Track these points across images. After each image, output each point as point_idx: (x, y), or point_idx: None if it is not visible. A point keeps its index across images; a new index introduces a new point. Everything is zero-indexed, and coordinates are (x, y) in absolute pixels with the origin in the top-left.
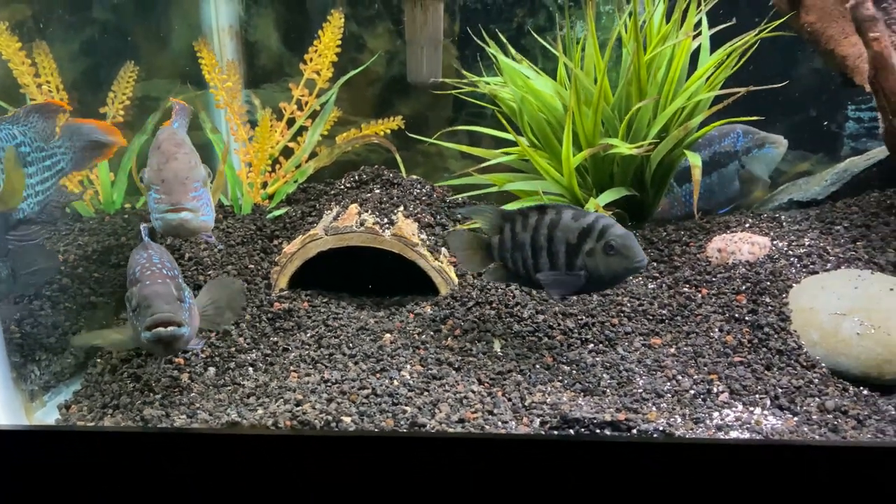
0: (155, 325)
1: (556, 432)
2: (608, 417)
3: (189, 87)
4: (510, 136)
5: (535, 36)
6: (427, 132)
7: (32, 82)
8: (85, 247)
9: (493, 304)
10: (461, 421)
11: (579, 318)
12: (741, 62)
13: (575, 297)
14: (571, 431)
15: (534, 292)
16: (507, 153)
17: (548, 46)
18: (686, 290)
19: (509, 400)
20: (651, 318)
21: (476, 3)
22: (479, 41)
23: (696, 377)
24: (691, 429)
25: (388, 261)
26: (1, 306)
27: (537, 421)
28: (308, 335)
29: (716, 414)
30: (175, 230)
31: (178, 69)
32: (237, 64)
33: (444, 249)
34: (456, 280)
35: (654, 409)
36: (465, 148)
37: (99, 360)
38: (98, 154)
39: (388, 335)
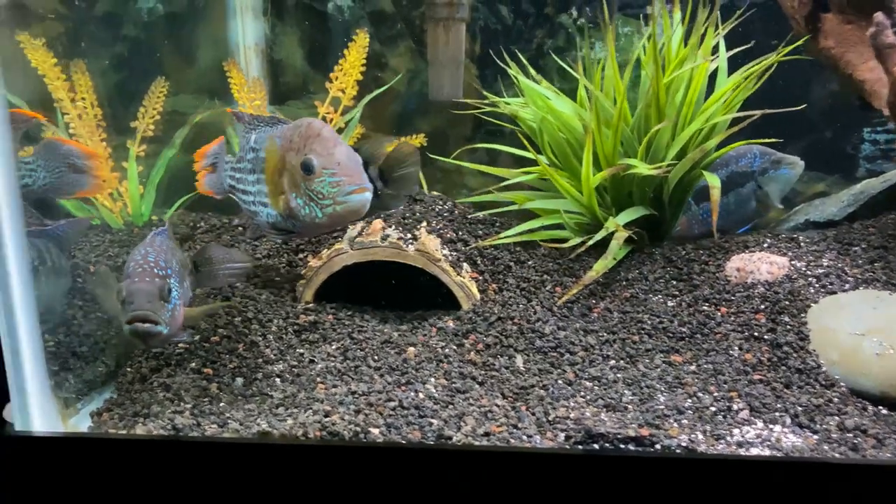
0: (135, 320)
1: (580, 447)
2: (632, 433)
3: (217, 102)
4: (529, 155)
5: (555, 58)
6: (446, 149)
7: (67, 97)
8: (115, 258)
9: (515, 320)
10: (487, 434)
11: (600, 334)
12: (758, 85)
13: (596, 314)
14: (596, 446)
15: (554, 308)
16: (527, 172)
17: (567, 68)
18: (705, 308)
19: (533, 414)
20: (671, 335)
21: (496, 23)
22: (500, 62)
23: (716, 394)
24: (712, 445)
25: (407, 275)
26: (41, 315)
27: (561, 435)
28: (333, 347)
29: (736, 431)
30: (358, 212)
31: (205, 85)
32: (263, 81)
33: (465, 265)
34: (478, 295)
35: (675, 425)
36: (483, 167)
37: (129, 370)
38: (78, 183)
39: (411, 348)
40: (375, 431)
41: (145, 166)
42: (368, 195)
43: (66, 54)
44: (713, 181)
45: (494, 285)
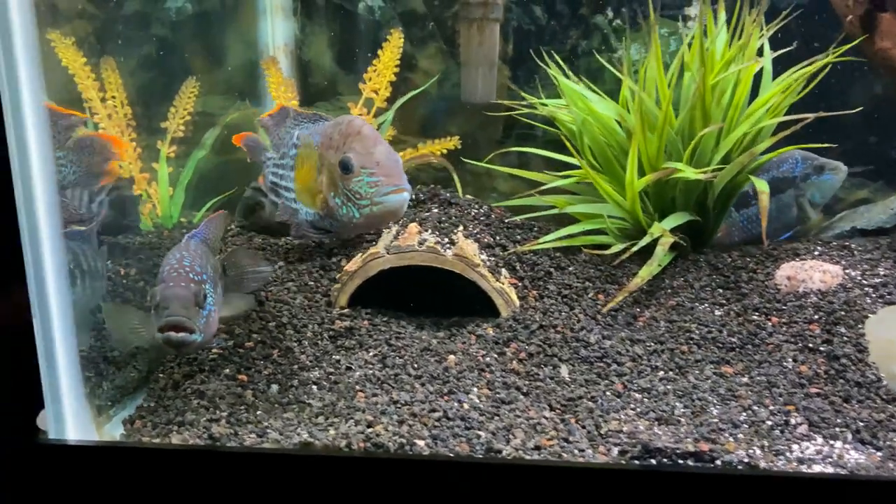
0: (168, 328)
1: (637, 462)
2: (690, 448)
3: (248, 103)
4: (564, 158)
5: (599, 58)
6: (476, 152)
7: (97, 96)
8: (146, 261)
9: (558, 328)
10: (537, 448)
11: (647, 344)
12: (808, 88)
13: (642, 323)
14: (653, 461)
15: (598, 316)
16: (568, 176)
17: (610, 68)
18: (755, 317)
19: (583, 427)
20: (721, 345)
21: (529, 24)
22: (540, 63)
23: (772, 408)
24: (772, 461)
25: (442, 280)
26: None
27: (615, 450)
28: (371, 354)
29: (795, 447)
30: (396, 213)
31: (235, 86)
32: (293, 82)
33: (504, 271)
34: (517, 302)
35: (731, 439)
36: (518, 171)
37: (161, 375)
38: (100, 173)
39: (452, 356)
40: (421, 443)
41: (174, 167)
42: (406, 196)
43: (95, 53)
44: (762, 186)
45: (535, 292)
